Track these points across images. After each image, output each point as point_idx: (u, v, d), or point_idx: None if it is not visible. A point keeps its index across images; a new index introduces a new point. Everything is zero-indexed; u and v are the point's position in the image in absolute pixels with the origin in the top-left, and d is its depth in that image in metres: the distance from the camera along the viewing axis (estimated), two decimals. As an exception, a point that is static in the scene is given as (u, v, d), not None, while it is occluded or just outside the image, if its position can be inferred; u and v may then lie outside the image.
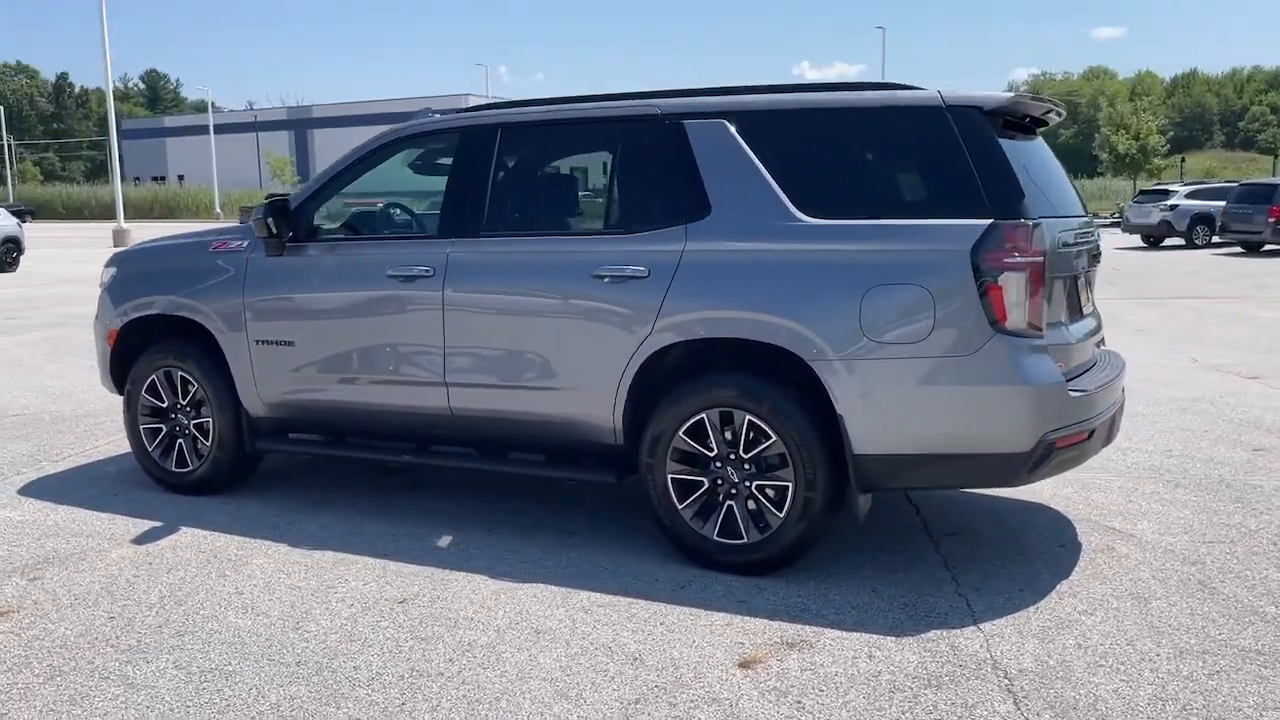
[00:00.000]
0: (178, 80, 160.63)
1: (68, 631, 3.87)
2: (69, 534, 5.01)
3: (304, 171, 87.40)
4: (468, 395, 4.84)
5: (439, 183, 5.09)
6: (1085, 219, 4.78)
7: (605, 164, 4.72)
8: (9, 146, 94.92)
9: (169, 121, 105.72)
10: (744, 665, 3.53)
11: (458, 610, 4.02)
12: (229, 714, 3.24)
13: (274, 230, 5.09)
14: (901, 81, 4.32)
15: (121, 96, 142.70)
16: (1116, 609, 3.99)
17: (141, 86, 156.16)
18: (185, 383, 5.58)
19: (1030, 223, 3.94)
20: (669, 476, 4.40)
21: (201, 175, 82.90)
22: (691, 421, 4.33)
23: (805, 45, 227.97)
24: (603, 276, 4.47)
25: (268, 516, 5.26)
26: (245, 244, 5.36)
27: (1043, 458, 4.00)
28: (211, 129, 76.68)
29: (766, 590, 4.20)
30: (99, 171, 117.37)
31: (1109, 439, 4.50)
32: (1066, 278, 4.33)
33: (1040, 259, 3.95)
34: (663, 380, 4.49)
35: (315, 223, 5.30)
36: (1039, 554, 4.62)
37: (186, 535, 4.98)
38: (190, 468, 5.63)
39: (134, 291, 5.72)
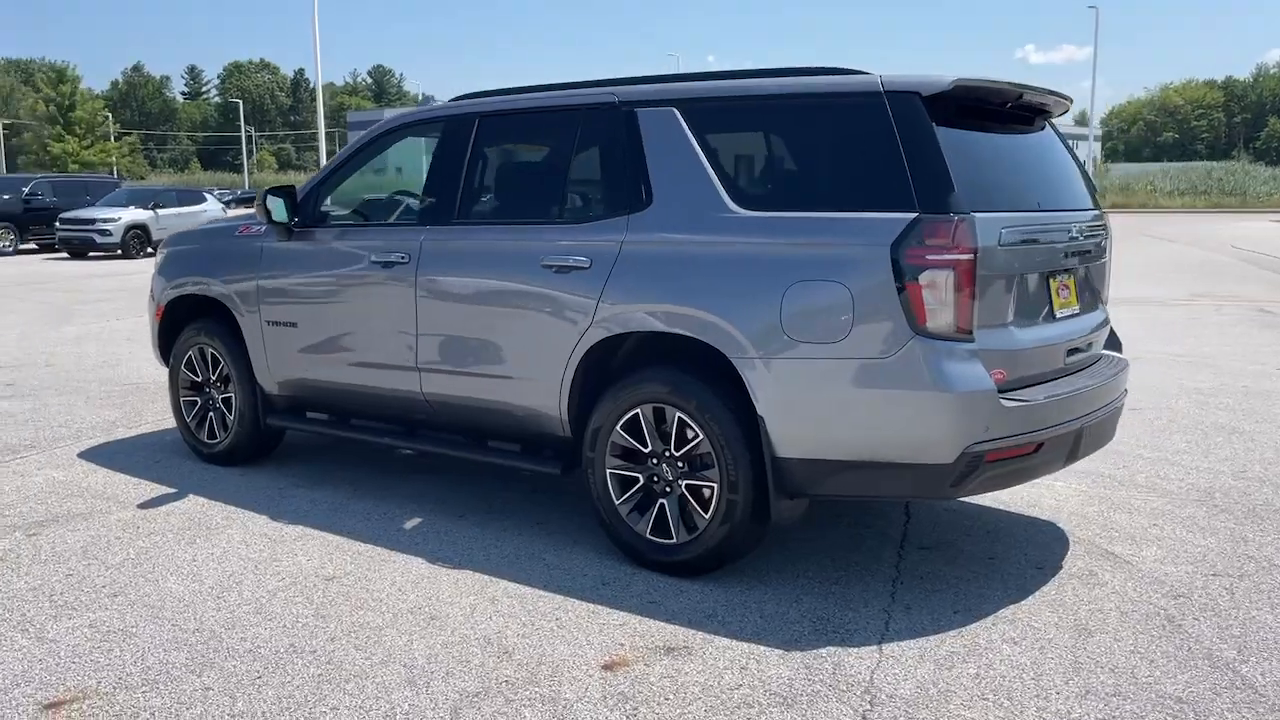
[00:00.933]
0: (401, 74, 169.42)
1: (22, 585, 4.19)
2: (91, 495, 5.41)
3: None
4: (437, 381, 4.92)
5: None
6: (1087, 214, 4.38)
7: (566, 153, 4.67)
8: (249, 138, 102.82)
9: (389, 114, 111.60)
10: (608, 667, 3.45)
11: (373, 591, 4.10)
12: (105, 673, 3.43)
13: (272, 215, 5.31)
14: (854, 67, 4.07)
15: (350, 90, 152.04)
16: (1047, 640, 3.66)
17: (369, 81, 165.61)
18: (215, 359, 5.92)
19: (958, 217, 3.64)
20: (608, 471, 4.34)
21: (417, 165, 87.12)
22: (628, 416, 4.25)
23: (1030, 27, 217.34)
24: (551, 266, 4.45)
25: (271, 489, 5.51)
26: (263, 229, 5.62)
27: (968, 471, 3.71)
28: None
29: (686, 593, 4.08)
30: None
31: (1076, 454, 4.12)
32: (1025, 276, 3.97)
33: (969, 256, 3.65)
34: (611, 373, 4.43)
35: (323, 209, 5.49)
36: (1006, 575, 4.28)
37: (187, 503, 5.28)
38: (218, 439, 5.97)
39: (174, 272, 6.11)
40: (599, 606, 3.95)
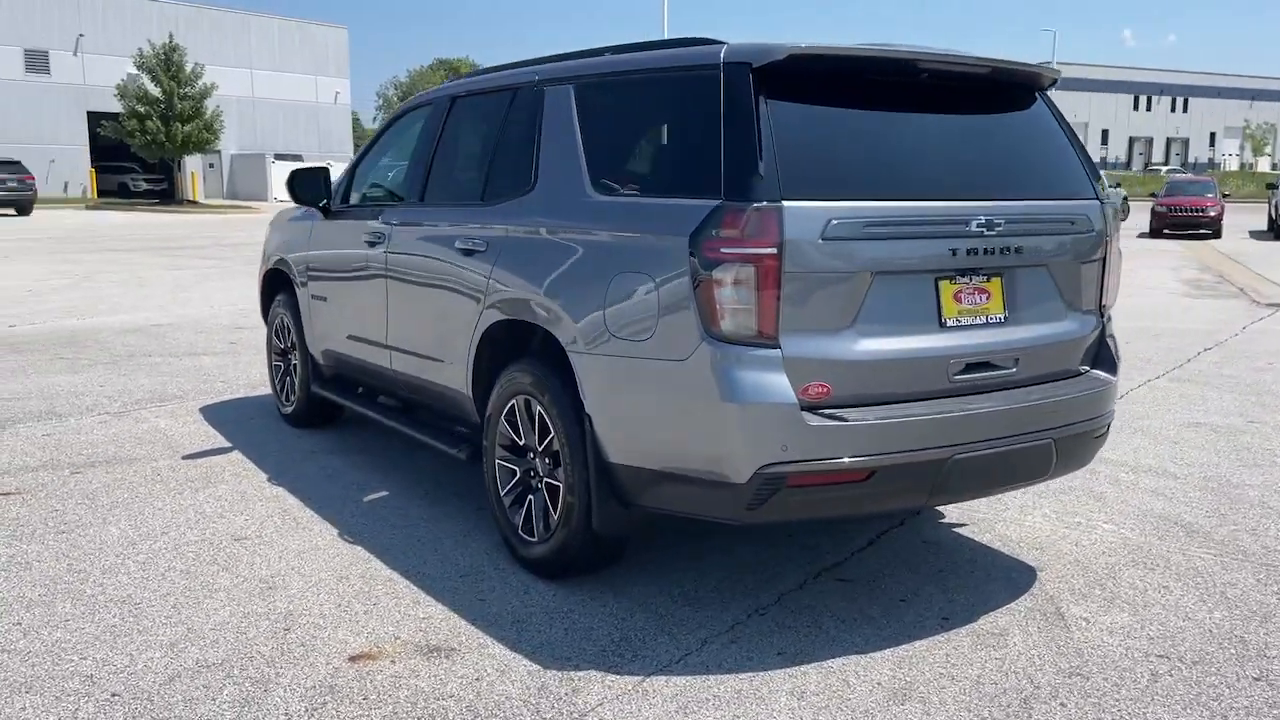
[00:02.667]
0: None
1: (19, 513, 4.79)
2: (157, 444, 6.06)
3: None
4: (400, 360, 5.04)
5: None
6: (1025, 205, 3.66)
7: (495, 134, 4.57)
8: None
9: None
10: (354, 659, 3.39)
11: (254, 556, 4.28)
12: (-27, 597, 3.88)
13: (302, 197, 5.66)
14: (709, 37, 3.64)
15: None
16: (844, 701, 3.14)
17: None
18: (288, 329, 6.41)
19: (758, 206, 3.17)
20: (496, 461, 4.24)
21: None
22: (508, 407, 4.13)
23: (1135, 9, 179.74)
24: (460, 249, 4.41)
25: (300, 452, 5.89)
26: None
27: (765, 494, 3.24)
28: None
29: (528, 593, 3.91)
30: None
31: (951, 488, 3.46)
32: (888, 276, 3.38)
33: (772, 251, 3.17)
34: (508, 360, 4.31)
35: (356, 190, 5.76)
36: (898, 621, 3.70)
37: (220, 458, 5.77)
38: (290, 403, 6.47)
39: (267, 247, 6.67)
40: (423, 597, 3.88)
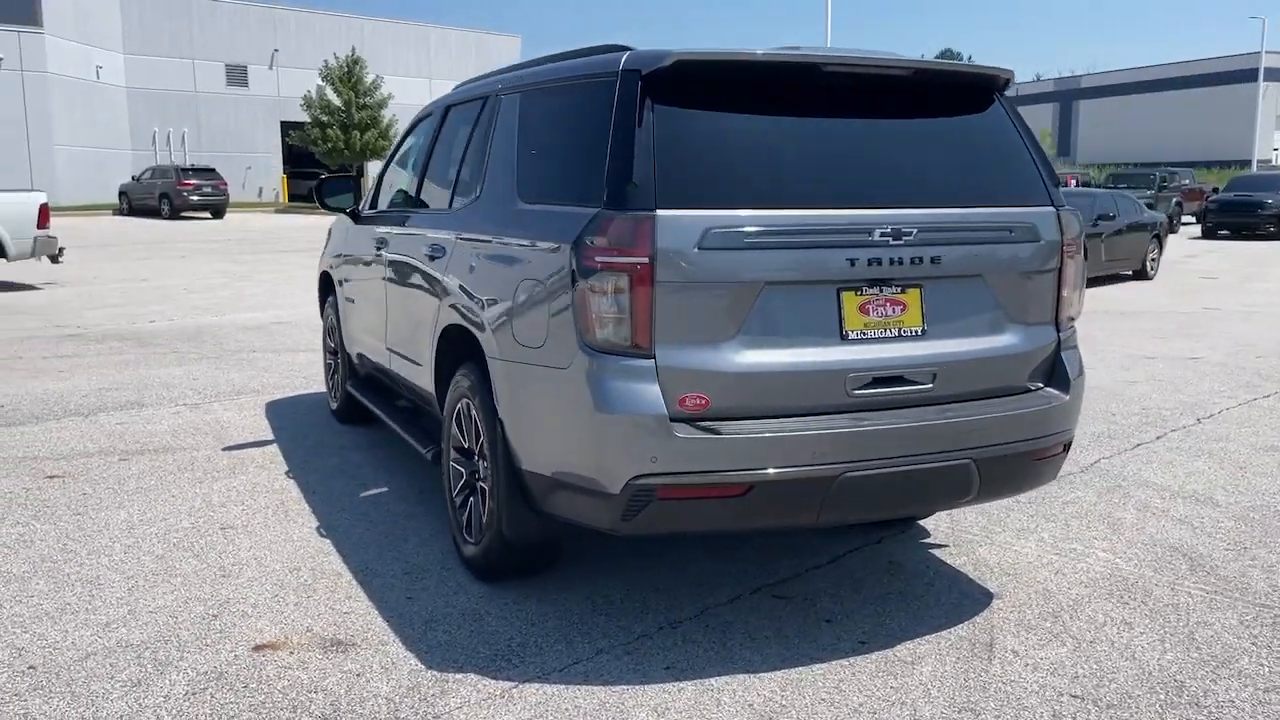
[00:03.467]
0: (969, 58, 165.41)
1: (52, 495, 5.21)
2: (209, 434, 6.46)
3: (1064, 145, 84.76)
4: (395, 362, 5.21)
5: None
6: (932, 214, 3.47)
7: (465, 142, 4.65)
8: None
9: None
10: (258, 648, 3.54)
11: (229, 545, 4.51)
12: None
13: (329, 204, 5.91)
14: (622, 44, 3.61)
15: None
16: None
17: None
18: (335, 329, 6.72)
19: (631, 214, 3.14)
20: (450, 463, 4.35)
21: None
22: (456, 410, 4.23)
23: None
24: (427, 254, 4.53)
25: (328, 447, 6.15)
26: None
27: (638, 506, 3.21)
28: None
29: (457, 593, 3.98)
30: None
31: (846, 506, 3.32)
32: (779, 286, 3.28)
33: (644, 260, 3.13)
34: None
35: (383, 196, 5.98)
36: (812, 642, 3.58)
37: (255, 451, 6.09)
38: (336, 400, 6.78)
39: (326, 250, 7.00)
40: (356, 592, 4.01)
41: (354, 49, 44.01)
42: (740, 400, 3.26)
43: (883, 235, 3.33)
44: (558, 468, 3.45)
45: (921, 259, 3.40)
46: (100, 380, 8.12)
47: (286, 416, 6.93)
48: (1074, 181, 32.38)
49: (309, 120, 43.05)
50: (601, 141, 3.32)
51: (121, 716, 3.07)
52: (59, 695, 3.19)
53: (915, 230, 3.37)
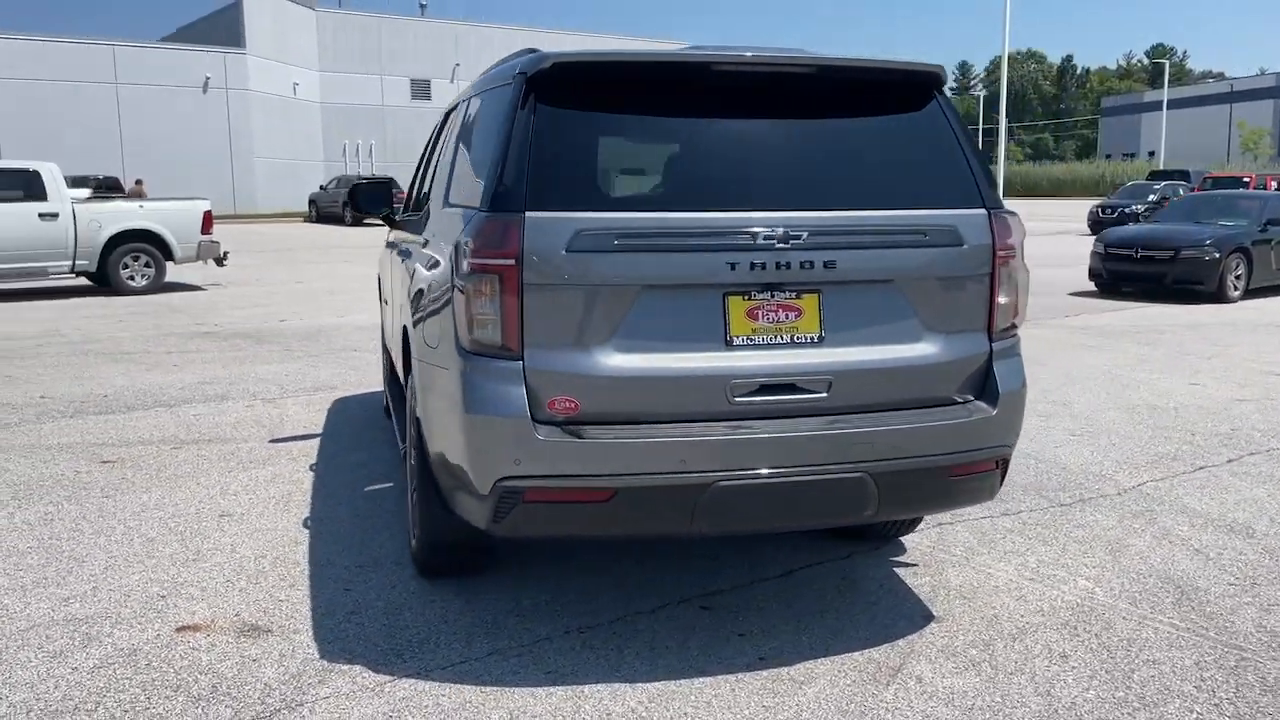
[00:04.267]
0: (1184, 53, 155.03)
1: (95, 478, 5.63)
2: (267, 427, 6.82)
3: (1287, 145, 78.41)
4: (396, 361, 5.38)
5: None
6: (827, 217, 3.33)
7: (440, 144, 4.75)
8: (1009, 130, 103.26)
9: (1148, 96, 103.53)
10: (181, 629, 3.72)
11: (217, 533, 4.75)
12: None
13: (360, 207, 6.14)
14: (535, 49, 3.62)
15: (1124, 74, 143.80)
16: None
17: (1145, 62, 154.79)
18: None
19: (501, 218, 3.15)
20: (409, 462, 4.46)
21: (1172, 150, 79.59)
22: (410, 407, 4.33)
23: None
24: (400, 257, 4.67)
25: (362, 441, 6.40)
26: (408, 216, 6.47)
27: (506, 508, 3.22)
28: (1165, 102, 73.17)
29: (398, 588, 4.07)
30: (1088, 150, 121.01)
31: (707, 519, 3.21)
32: (660, 290, 3.21)
33: (510, 262, 3.13)
34: None
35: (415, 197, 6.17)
36: (719, 655, 3.50)
37: (296, 444, 6.39)
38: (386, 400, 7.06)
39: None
40: (301, 581, 4.15)
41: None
42: (614, 405, 3.21)
43: (767, 239, 3.21)
44: (448, 467, 3.49)
45: (813, 263, 3.26)
46: (203, 375, 8.69)
47: (344, 412, 7.24)
48: (1275, 184, 29.96)
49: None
50: (500, 144, 3.35)
51: (28, 684, 3.30)
52: (-14, 661, 3.46)
53: (805, 234, 3.24)
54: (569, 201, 3.17)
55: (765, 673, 3.38)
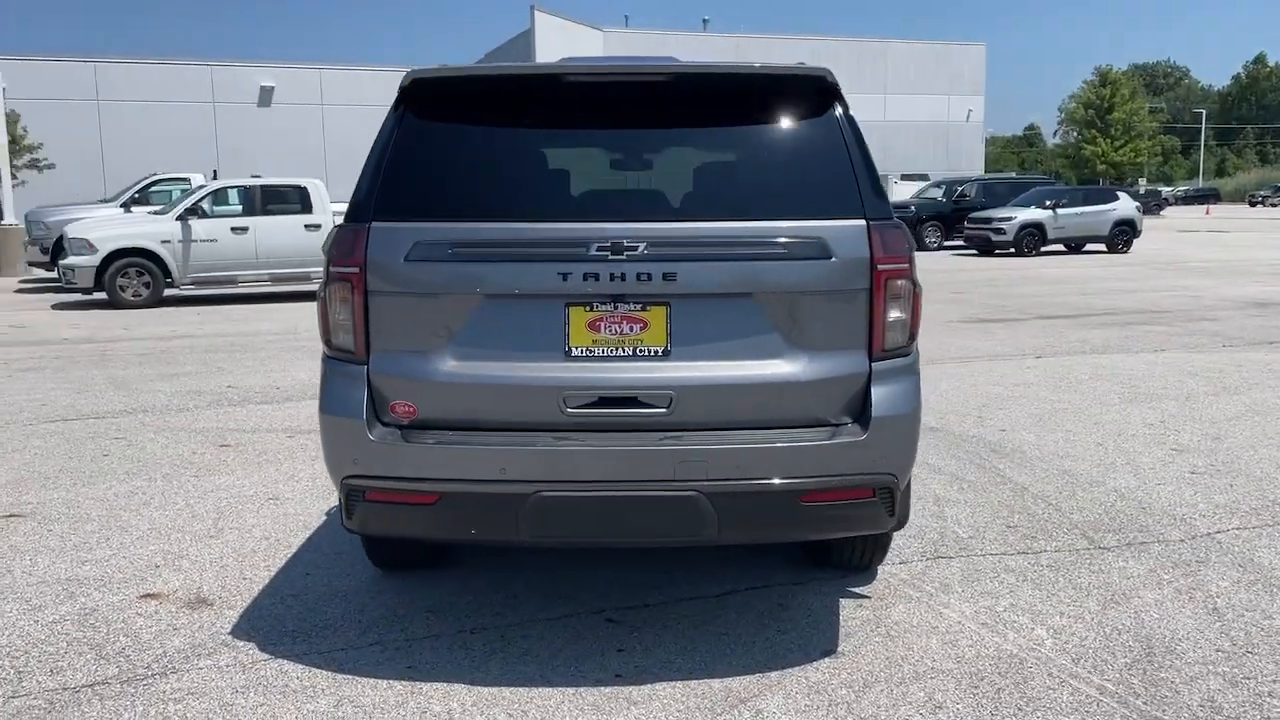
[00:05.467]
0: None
1: (201, 459, 6.31)
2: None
3: None
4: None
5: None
6: (668, 228, 3.25)
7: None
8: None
9: None
10: (144, 596, 4.14)
11: (254, 514, 5.21)
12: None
13: None
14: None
15: None
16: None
17: None
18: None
19: (350, 227, 3.32)
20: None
21: None
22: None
23: None
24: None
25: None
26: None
27: (352, 505, 3.37)
28: None
29: (351, 576, 4.31)
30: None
31: (533, 529, 3.20)
32: (498, 299, 3.25)
33: (355, 270, 3.29)
34: None
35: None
36: (571, 670, 3.49)
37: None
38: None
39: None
40: (275, 564, 4.48)
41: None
42: (450, 411, 3.29)
43: (600, 250, 3.17)
44: None
45: (651, 275, 3.18)
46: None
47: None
48: None
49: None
50: (370, 156, 3.51)
51: (-5, 630, 3.83)
52: (-22, 608, 4.02)
53: (643, 245, 3.17)
54: (413, 212, 3.29)
55: (608, 689, 3.32)
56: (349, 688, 3.35)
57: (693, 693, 3.29)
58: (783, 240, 3.21)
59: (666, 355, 3.23)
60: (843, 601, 4.01)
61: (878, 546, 4.08)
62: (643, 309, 3.23)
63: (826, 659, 3.52)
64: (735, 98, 3.41)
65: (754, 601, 4.01)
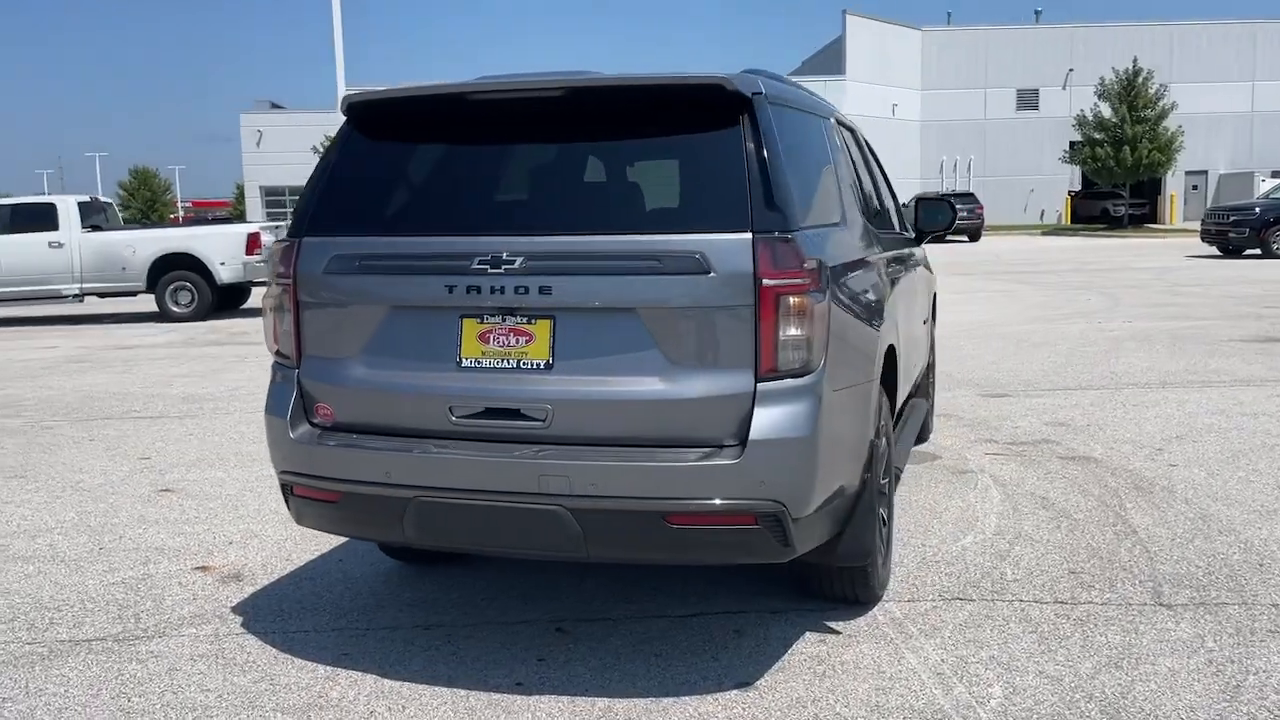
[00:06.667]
0: None
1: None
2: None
3: None
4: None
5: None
6: (545, 242, 3.24)
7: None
8: None
9: None
10: (198, 568, 4.67)
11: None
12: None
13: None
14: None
15: None
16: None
17: None
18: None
19: (286, 240, 3.60)
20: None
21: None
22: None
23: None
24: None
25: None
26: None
27: (285, 498, 3.66)
28: None
29: (383, 565, 4.63)
30: None
31: (415, 531, 3.33)
32: (403, 310, 3.40)
33: (288, 281, 3.56)
34: None
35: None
36: (487, 677, 3.58)
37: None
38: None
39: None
40: (317, 550, 4.84)
41: (1135, 60, 41.54)
42: (357, 415, 3.47)
43: (480, 263, 3.23)
44: None
45: (528, 289, 3.20)
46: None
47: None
48: None
49: (1081, 139, 41.87)
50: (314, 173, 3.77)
51: (56, 568, 4.47)
52: (81, 544, 4.70)
53: (520, 259, 3.19)
54: (335, 227, 3.51)
55: (499, 695, 3.37)
56: (280, 666, 3.61)
57: (572, 711, 3.26)
58: (661, 255, 3.11)
59: (549, 369, 3.23)
60: (808, 635, 3.79)
61: (855, 579, 3.82)
62: (529, 322, 3.25)
63: (735, 691, 3.36)
64: (631, 111, 3.35)
65: (713, 626, 3.88)
